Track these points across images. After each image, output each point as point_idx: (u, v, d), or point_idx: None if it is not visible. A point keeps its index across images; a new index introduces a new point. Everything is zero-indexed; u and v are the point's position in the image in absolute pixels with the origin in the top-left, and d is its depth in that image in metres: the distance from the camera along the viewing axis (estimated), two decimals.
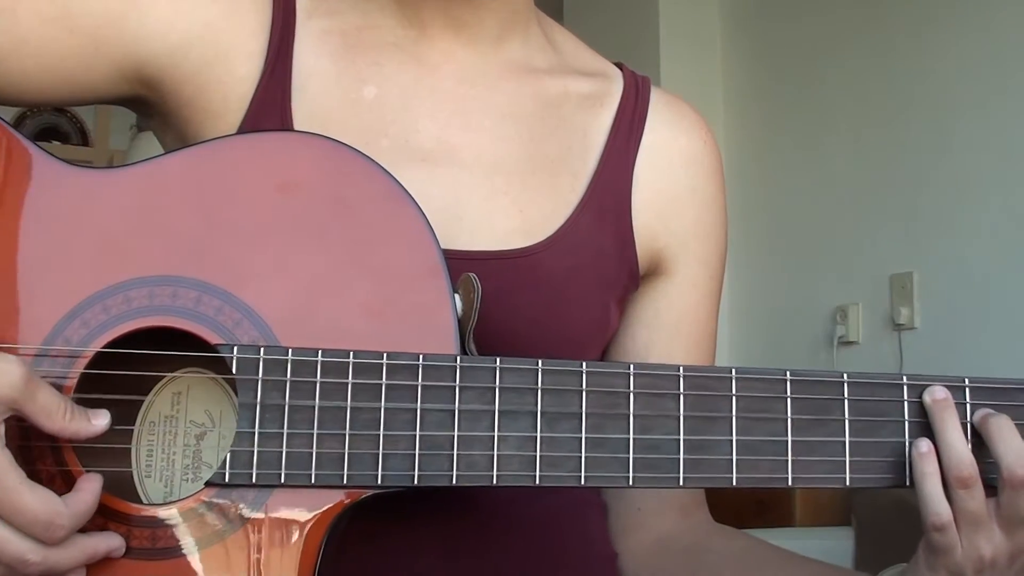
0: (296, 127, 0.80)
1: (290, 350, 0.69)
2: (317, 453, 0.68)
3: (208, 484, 0.68)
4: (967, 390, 0.72)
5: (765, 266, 3.28)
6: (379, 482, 0.68)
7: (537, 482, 0.69)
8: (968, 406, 0.71)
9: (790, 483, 0.70)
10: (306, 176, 0.72)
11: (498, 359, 0.70)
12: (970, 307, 2.67)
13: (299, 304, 0.70)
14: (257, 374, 0.69)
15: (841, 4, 3.09)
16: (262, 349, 0.69)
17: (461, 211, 0.84)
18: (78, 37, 0.78)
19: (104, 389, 0.69)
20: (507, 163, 0.86)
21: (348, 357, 0.69)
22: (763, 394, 0.70)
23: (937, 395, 0.70)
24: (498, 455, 0.69)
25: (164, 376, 0.74)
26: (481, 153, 0.86)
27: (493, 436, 0.69)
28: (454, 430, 0.69)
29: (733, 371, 0.70)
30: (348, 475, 0.68)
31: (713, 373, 0.71)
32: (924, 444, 0.70)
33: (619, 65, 0.96)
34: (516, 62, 0.89)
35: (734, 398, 0.70)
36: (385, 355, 0.69)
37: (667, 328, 0.92)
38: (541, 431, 0.69)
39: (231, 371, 0.69)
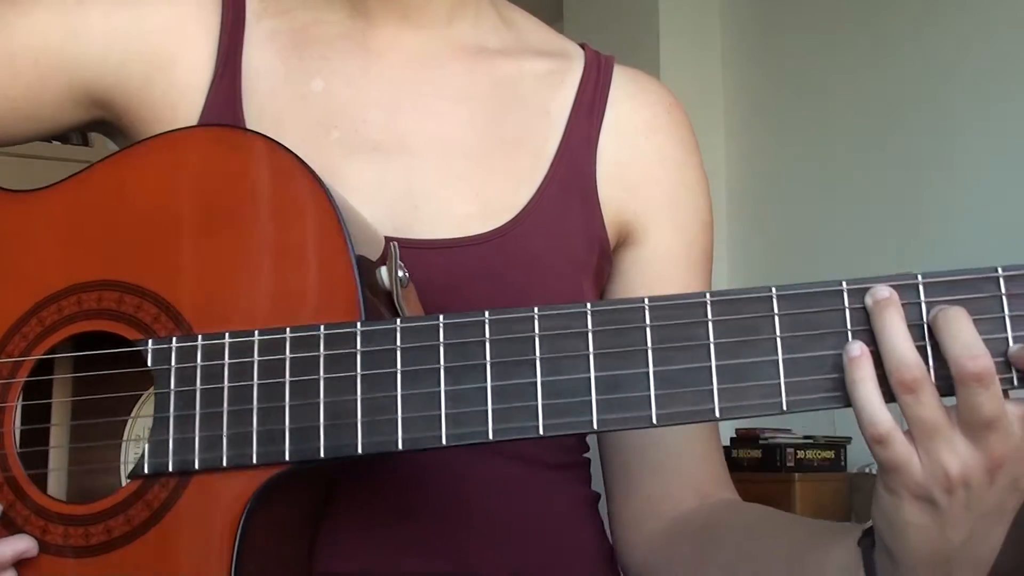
0: (248, 127, 0.82)
1: (200, 336, 0.69)
2: (228, 435, 0.67)
3: (132, 477, 0.69)
4: (921, 287, 0.62)
5: (764, 265, 3.23)
6: (287, 458, 0.66)
7: (444, 442, 0.65)
8: (923, 305, 0.61)
9: (718, 414, 0.62)
10: (211, 166, 0.73)
11: (398, 320, 0.67)
12: None
13: (211, 292, 0.71)
14: (170, 364, 0.69)
15: (841, 4, 3.06)
16: (174, 339, 0.70)
17: (416, 199, 0.82)
18: (24, 76, 0.82)
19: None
20: (461, 146, 0.84)
21: (253, 335, 0.68)
22: (682, 321, 0.64)
23: (879, 295, 0.61)
24: (403, 418, 0.65)
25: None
26: (433, 138, 0.84)
27: (396, 398, 0.66)
28: (357, 395, 0.66)
29: (646, 300, 0.64)
30: (258, 453, 0.67)
31: (624, 305, 0.65)
32: (855, 347, 0.60)
33: (583, 45, 0.93)
34: (467, 44, 0.88)
35: (648, 329, 0.64)
36: (288, 329, 0.68)
37: None
38: (445, 386, 0.65)
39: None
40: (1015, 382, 0.60)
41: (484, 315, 0.66)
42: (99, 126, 0.88)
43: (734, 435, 2.84)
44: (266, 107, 0.83)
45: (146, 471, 0.68)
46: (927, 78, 2.82)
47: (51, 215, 0.75)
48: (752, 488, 2.23)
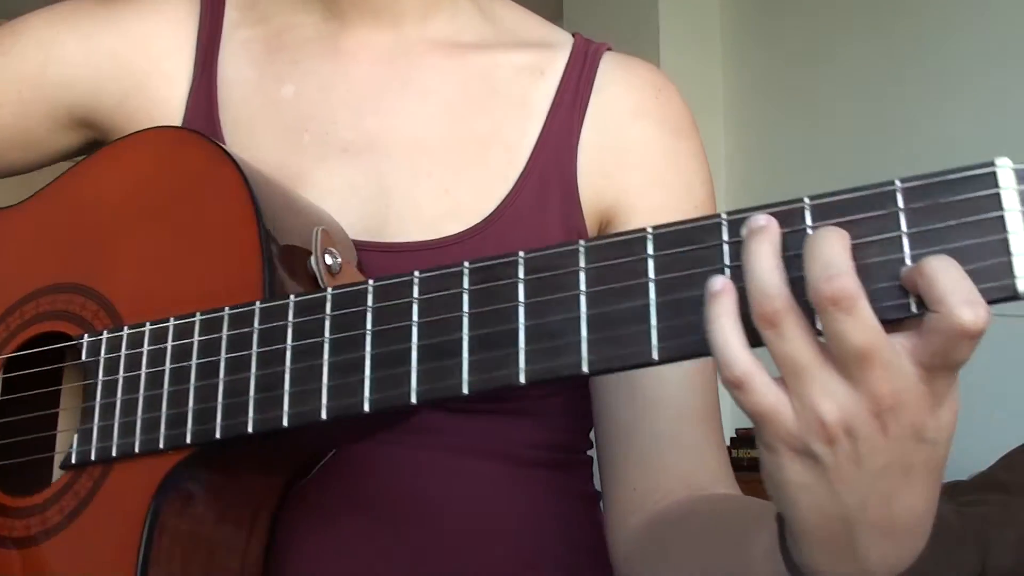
0: (224, 136, 0.84)
1: (126, 327, 0.70)
2: (142, 421, 0.68)
3: (63, 467, 0.70)
4: (807, 212, 0.53)
5: None
6: (188, 440, 0.66)
7: (323, 415, 0.62)
8: (808, 231, 0.53)
9: (585, 368, 0.56)
10: (152, 167, 0.75)
11: (292, 296, 0.65)
12: None
13: (143, 286, 0.72)
14: (99, 356, 0.71)
15: (841, 4, 2.97)
16: (104, 332, 0.71)
17: (387, 199, 0.81)
18: (8, 107, 0.87)
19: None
20: (430, 143, 0.82)
21: (170, 322, 0.69)
22: (554, 272, 0.58)
23: (754, 223, 0.53)
24: (290, 392, 0.63)
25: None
26: (401, 137, 0.82)
27: (285, 374, 0.64)
28: (251, 373, 0.65)
29: (520, 253, 0.59)
30: (164, 436, 0.66)
31: (499, 260, 0.60)
32: (717, 282, 0.52)
33: (576, 34, 0.89)
34: (441, 39, 0.86)
35: (520, 284, 0.59)
36: (198, 314, 0.68)
37: None
38: (329, 357, 0.62)
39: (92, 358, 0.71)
40: (913, 307, 0.50)
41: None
42: (93, 147, 0.92)
43: (734, 435, 2.72)
44: (240, 115, 0.84)
45: (73, 461, 0.69)
46: (928, 73, 2.73)
47: (19, 228, 0.79)
48: (752, 488, 2.03)
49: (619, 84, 0.85)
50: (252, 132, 0.83)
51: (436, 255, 0.77)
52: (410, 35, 0.86)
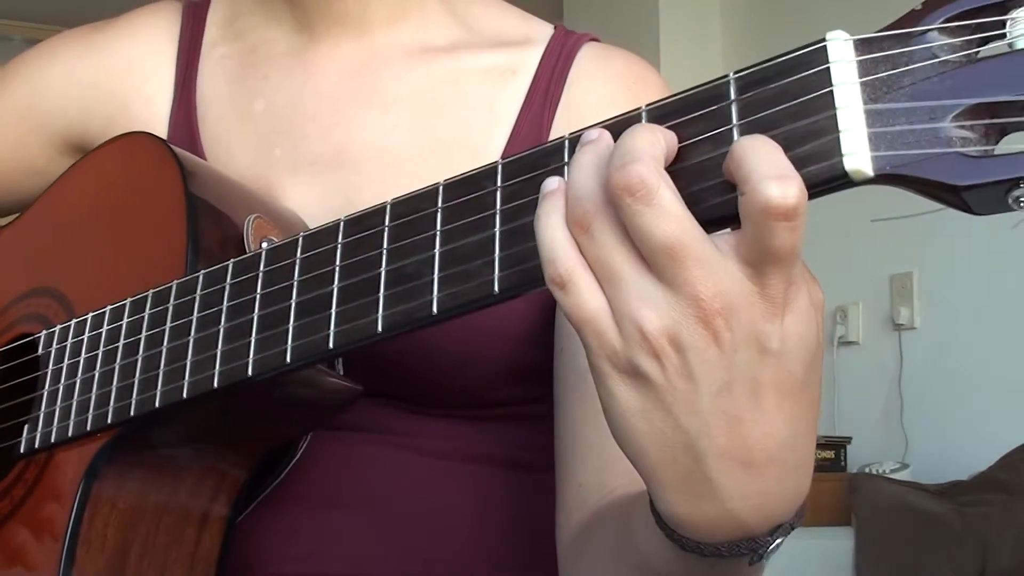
0: (205, 153, 0.85)
1: (73, 319, 0.72)
2: (76, 403, 0.69)
3: (17, 459, 0.72)
4: (644, 117, 0.49)
5: None
6: (109, 421, 0.66)
7: (216, 383, 0.61)
8: None
9: (435, 309, 0.53)
10: (109, 172, 0.78)
11: (201, 271, 0.65)
12: (970, 307, 2.63)
13: (93, 283, 0.74)
14: (51, 348, 0.73)
15: (841, 3, 2.80)
16: (57, 326, 0.73)
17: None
18: (8, 140, 0.90)
19: None
20: (395, 154, 0.80)
21: (106, 310, 0.70)
22: (416, 214, 0.55)
23: (586, 137, 0.49)
24: (192, 362, 0.63)
25: None
26: (365, 148, 0.81)
27: (188, 344, 0.63)
28: (163, 347, 0.65)
29: (388, 201, 0.57)
30: (92, 417, 0.67)
31: (370, 210, 0.58)
32: (552, 181, 0.48)
33: (557, 27, 0.85)
34: (407, 46, 0.84)
35: (385, 231, 0.56)
36: (128, 299, 0.69)
37: None
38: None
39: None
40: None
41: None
42: None
43: None
44: (218, 132, 0.85)
45: (22, 450, 0.71)
46: None
47: (9, 241, 0.83)
48: None
49: (591, 77, 0.81)
50: (229, 148, 0.84)
51: None
52: (378, 44, 0.84)
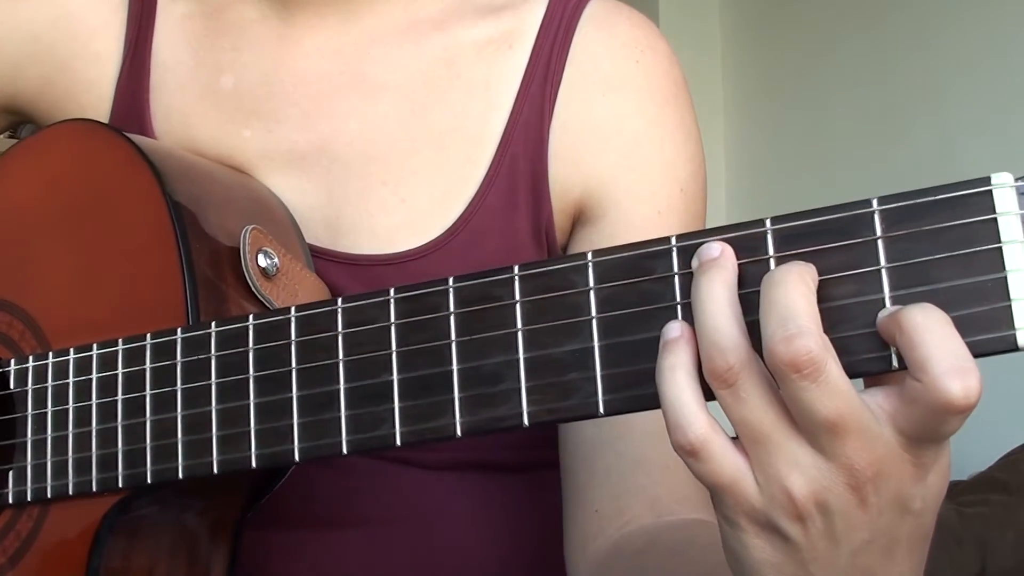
0: (155, 127, 0.75)
1: (51, 354, 0.65)
2: (73, 460, 0.63)
3: (1, 507, 0.66)
4: (769, 236, 0.45)
5: None
6: (120, 484, 0.61)
7: (253, 464, 0.56)
8: (772, 263, 0.45)
9: (526, 421, 0.49)
10: (65, 167, 0.68)
11: (213, 324, 0.59)
12: None
13: (64, 304, 0.66)
14: (27, 387, 0.65)
15: (842, 1, 2.88)
16: (31, 358, 0.65)
17: (337, 210, 0.72)
18: None
19: None
20: (384, 147, 0.72)
21: (92, 350, 0.63)
22: (486, 305, 0.50)
23: (705, 255, 0.45)
24: (218, 436, 0.57)
25: None
26: (353, 140, 0.72)
27: (211, 414, 0.58)
28: (177, 412, 0.59)
29: (451, 280, 0.52)
30: (96, 480, 0.61)
31: (427, 289, 0.52)
32: (674, 328, 0.44)
33: None
34: (396, 19, 0.75)
35: (452, 318, 0.51)
36: (120, 341, 0.62)
37: None
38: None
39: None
40: (895, 362, 0.42)
41: (290, 311, 0.56)
42: (29, 123, 0.84)
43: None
44: (173, 104, 0.75)
45: (10, 501, 0.65)
46: (929, 73, 2.63)
47: None
48: None
49: (595, 48, 0.73)
50: (186, 124, 0.74)
51: (394, 271, 0.69)
52: (362, 16, 0.74)
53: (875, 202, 0.43)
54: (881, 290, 0.42)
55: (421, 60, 0.73)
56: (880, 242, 0.43)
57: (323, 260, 0.70)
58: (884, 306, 0.42)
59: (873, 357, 0.42)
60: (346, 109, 0.73)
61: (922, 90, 2.70)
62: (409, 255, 0.70)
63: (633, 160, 0.71)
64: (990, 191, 0.41)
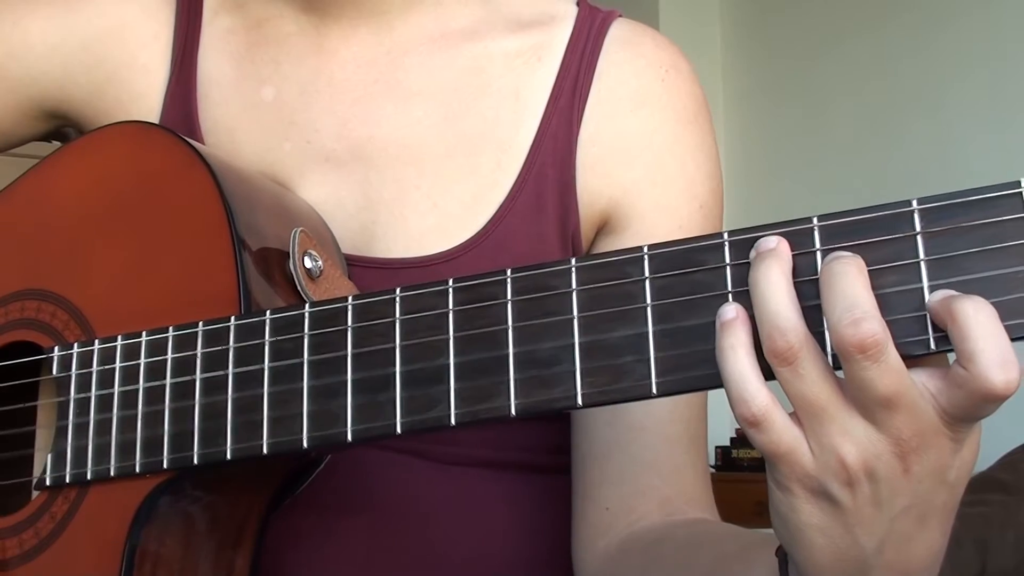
0: (204, 138, 0.79)
1: (96, 340, 0.67)
2: (117, 443, 0.65)
3: (37, 488, 0.67)
4: (816, 232, 0.49)
5: None
6: (165, 466, 0.62)
7: (304, 445, 0.58)
8: (819, 255, 0.49)
9: (580, 402, 0.52)
10: (117, 165, 0.71)
11: (268, 312, 0.61)
12: None
13: (112, 295, 0.68)
14: (71, 371, 0.67)
15: (841, 1, 2.95)
16: (75, 345, 0.67)
17: (373, 214, 0.75)
18: None
19: None
20: (417, 152, 0.76)
21: (142, 337, 0.65)
22: (543, 293, 0.54)
23: (763, 246, 0.49)
24: (269, 417, 0.60)
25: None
26: (387, 146, 0.76)
27: (263, 397, 0.60)
28: (228, 395, 0.61)
29: (508, 272, 0.55)
30: (140, 463, 0.63)
31: (486, 279, 0.56)
32: (729, 310, 0.48)
33: (580, 3, 0.81)
34: (429, 30, 0.79)
35: (509, 305, 0.55)
36: (171, 329, 0.64)
37: None
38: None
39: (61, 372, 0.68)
40: (932, 344, 0.46)
41: (347, 300, 0.59)
42: (69, 130, 0.86)
43: (734, 435, 2.71)
44: (219, 117, 0.78)
45: (47, 483, 0.66)
46: (928, 74, 2.72)
47: None
48: (752, 488, 2.05)
49: (621, 67, 0.78)
50: (232, 136, 0.77)
51: (423, 274, 0.73)
52: (395, 27, 0.79)
53: (915, 202, 0.48)
54: (920, 280, 0.47)
55: (452, 68, 0.78)
56: (919, 237, 0.47)
57: (357, 267, 0.74)
58: (924, 295, 0.46)
59: (914, 340, 0.46)
60: (381, 116, 0.76)
61: (921, 90, 2.74)
62: (438, 258, 0.73)
63: (658, 175, 0.76)
64: (1019, 193, 0.46)
